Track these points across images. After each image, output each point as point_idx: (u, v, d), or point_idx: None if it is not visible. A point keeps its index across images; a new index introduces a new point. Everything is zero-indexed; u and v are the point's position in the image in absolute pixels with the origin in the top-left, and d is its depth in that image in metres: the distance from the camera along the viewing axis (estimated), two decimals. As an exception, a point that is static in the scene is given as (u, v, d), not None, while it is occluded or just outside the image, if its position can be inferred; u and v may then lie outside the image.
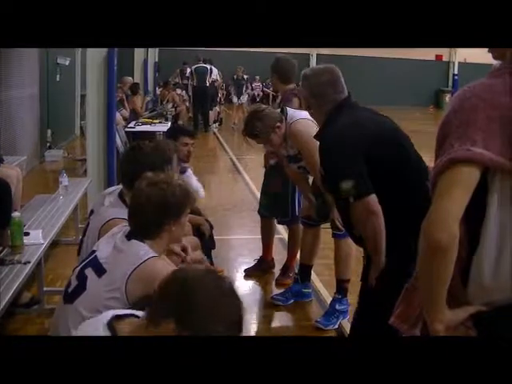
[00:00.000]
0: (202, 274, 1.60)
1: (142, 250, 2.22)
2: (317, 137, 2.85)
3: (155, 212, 2.25)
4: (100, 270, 2.20)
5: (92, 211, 3.08)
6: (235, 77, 16.42)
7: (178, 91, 14.62)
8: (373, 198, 2.52)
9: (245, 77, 16.86)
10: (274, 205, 4.56)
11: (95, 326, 1.68)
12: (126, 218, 2.40)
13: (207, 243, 3.86)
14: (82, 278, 2.23)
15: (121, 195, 2.89)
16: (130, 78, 11.91)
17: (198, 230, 3.81)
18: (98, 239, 2.50)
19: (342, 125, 2.67)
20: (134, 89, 11.02)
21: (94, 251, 2.33)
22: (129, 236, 2.27)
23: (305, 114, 3.57)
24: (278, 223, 4.87)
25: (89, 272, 2.23)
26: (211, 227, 4.00)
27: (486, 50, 1.59)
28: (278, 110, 4.01)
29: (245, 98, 15.87)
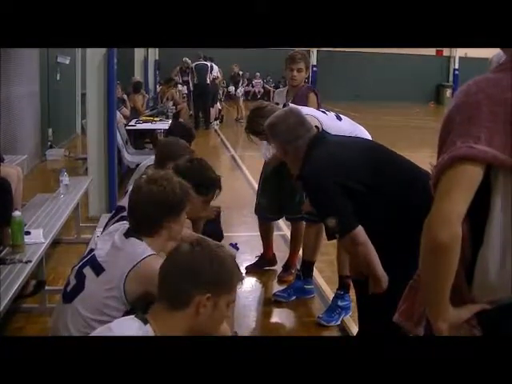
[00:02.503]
0: (192, 244, 1.81)
1: (140, 248, 2.19)
2: (298, 178, 2.85)
3: (155, 209, 2.23)
4: (98, 269, 2.18)
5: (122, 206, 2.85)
6: (232, 73, 16.79)
7: (179, 87, 14.60)
8: (358, 230, 2.59)
9: (240, 73, 17.45)
10: (290, 204, 4.40)
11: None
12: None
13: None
14: (80, 277, 2.22)
15: None
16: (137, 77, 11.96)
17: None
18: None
19: (316, 164, 2.70)
20: (136, 87, 10.99)
21: (92, 250, 2.31)
22: (127, 234, 2.25)
23: (307, 110, 3.55)
24: (287, 219, 4.80)
25: (87, 271, 2.21)
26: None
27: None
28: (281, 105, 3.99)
29: (241, 91, 16.39)
